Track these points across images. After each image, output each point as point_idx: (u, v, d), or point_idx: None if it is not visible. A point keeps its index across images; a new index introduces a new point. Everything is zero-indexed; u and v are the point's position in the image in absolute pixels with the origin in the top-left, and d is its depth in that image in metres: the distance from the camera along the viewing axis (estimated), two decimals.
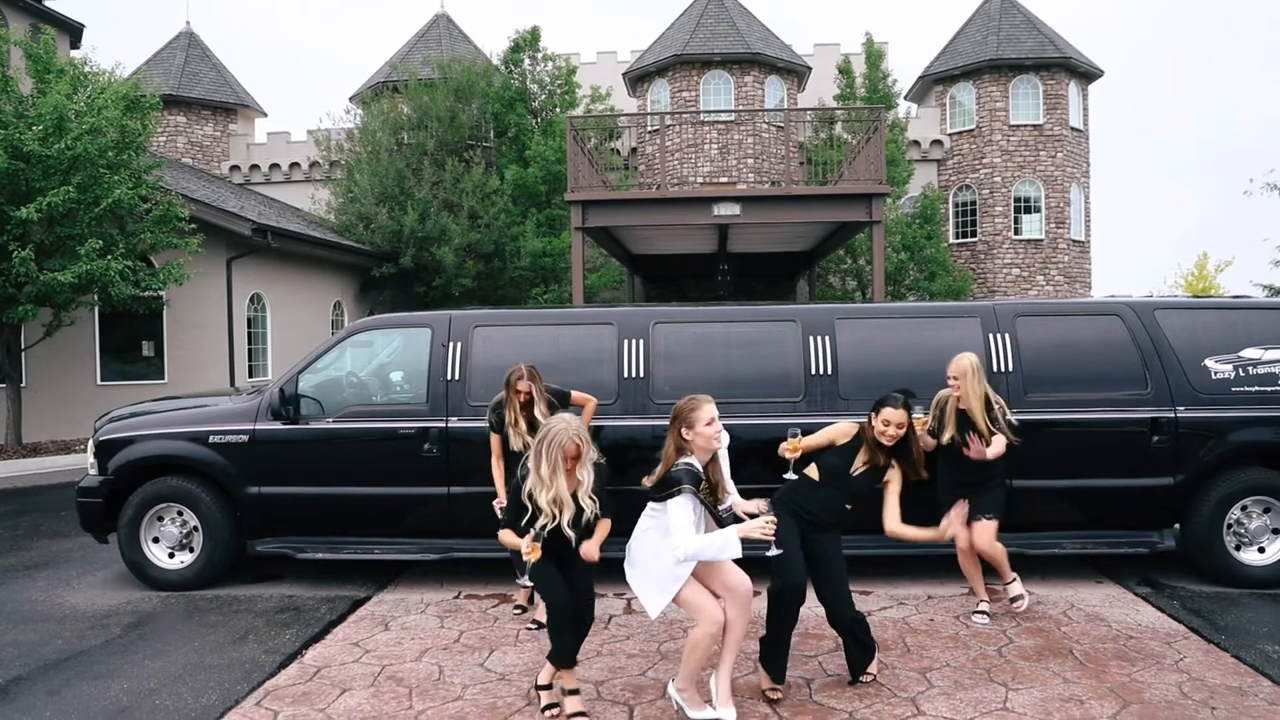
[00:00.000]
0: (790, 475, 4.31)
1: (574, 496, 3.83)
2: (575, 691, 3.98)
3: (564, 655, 3.95)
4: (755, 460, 5.53)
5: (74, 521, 7.83)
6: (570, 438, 3.76)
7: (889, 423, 4.28)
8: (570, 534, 3.81)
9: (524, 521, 3.88)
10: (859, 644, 4.33)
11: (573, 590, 3.96)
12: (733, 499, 4.15)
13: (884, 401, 4.33)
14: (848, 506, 4.41)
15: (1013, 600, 5.37)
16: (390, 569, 6.66)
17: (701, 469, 3.86)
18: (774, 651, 4.19)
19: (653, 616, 3.99)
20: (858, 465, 4.39)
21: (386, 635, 5.22)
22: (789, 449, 4.29)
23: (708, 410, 3.84)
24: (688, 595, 3.80)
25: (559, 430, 3.78)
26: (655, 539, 3.84)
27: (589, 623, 4.07)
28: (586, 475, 3.86)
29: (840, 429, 4.44)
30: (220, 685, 4.47)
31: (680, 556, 3.66)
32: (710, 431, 3.82)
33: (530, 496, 3.81)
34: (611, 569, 4.17)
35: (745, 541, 3.67)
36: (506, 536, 3.92)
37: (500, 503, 5.22)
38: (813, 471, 4.38)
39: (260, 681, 4.51)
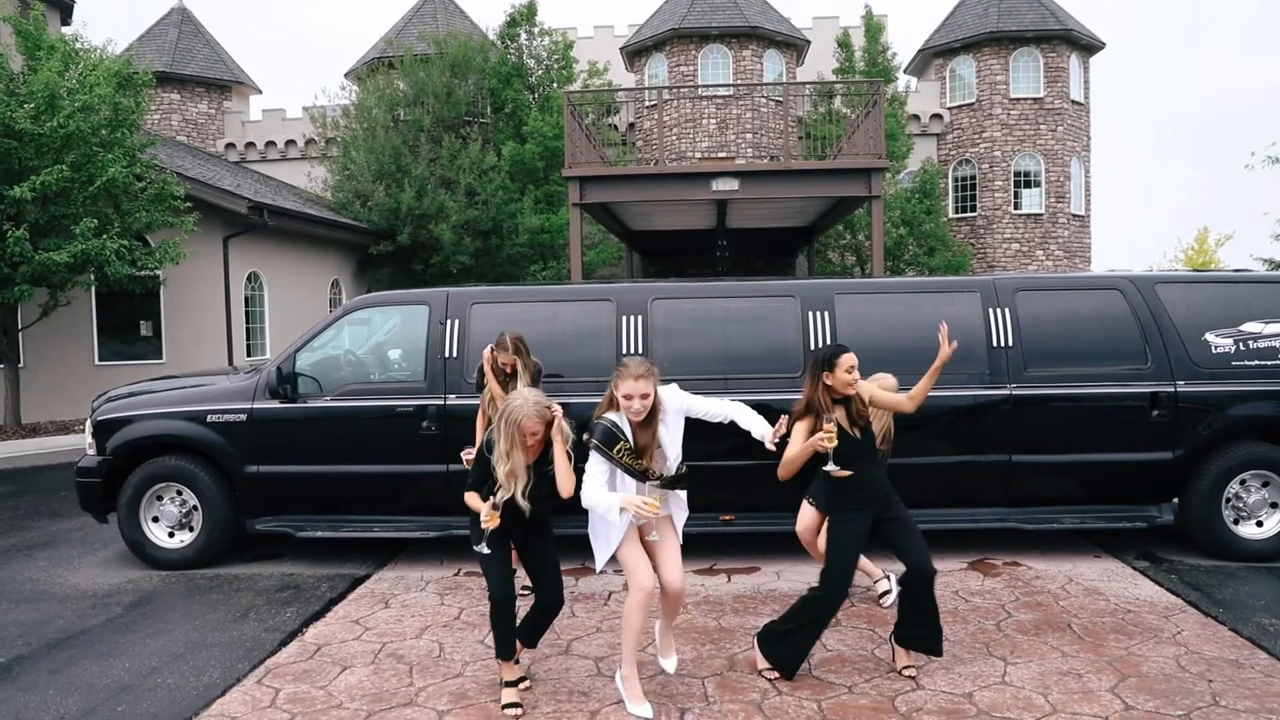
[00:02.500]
0: (831, 467, 4.06)
1: (530, 469, 3.80)
2: (515, 683, 3.95)
3: (504, 647, 3.95)
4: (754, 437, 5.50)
5: (73, 501, 7.84)
6: (526, 415, 3.72)
7: (852, 367, 4.07)
8: (524, 505, 3.78)
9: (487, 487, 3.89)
10: (931, 612, 4.10)
11: (540, 569, 4.04)
12: (670, 464, 3.91)
13: (835, 354, 4.08)
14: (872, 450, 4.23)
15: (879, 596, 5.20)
16: (390, 547, 6.68)
17: (626, 428, 3.78)
18: (792, 641, 4.10)
19: (597, 569, 4.04)
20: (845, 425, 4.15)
21: (387, 613, 5.24)
22: (826, 439, 3.99)
23: (628, 384, 3.72)
24: (625, 554, 3.81)
25: (515, 407, 3.75)
26: None
27: (558, 605, 4.06)
28: (560, 442, 3.80)
29: (807, 416, 4.16)
30: (221, 663, 4.49)
31: (583, 503, 3.75)
32: (625, 404, 3.75)
33: (494, 467, 3.83)
34: None
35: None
36: (472, 499, 3.91)
37: (467, 453, 5.24)
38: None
39: (261, 659, 4.53)
